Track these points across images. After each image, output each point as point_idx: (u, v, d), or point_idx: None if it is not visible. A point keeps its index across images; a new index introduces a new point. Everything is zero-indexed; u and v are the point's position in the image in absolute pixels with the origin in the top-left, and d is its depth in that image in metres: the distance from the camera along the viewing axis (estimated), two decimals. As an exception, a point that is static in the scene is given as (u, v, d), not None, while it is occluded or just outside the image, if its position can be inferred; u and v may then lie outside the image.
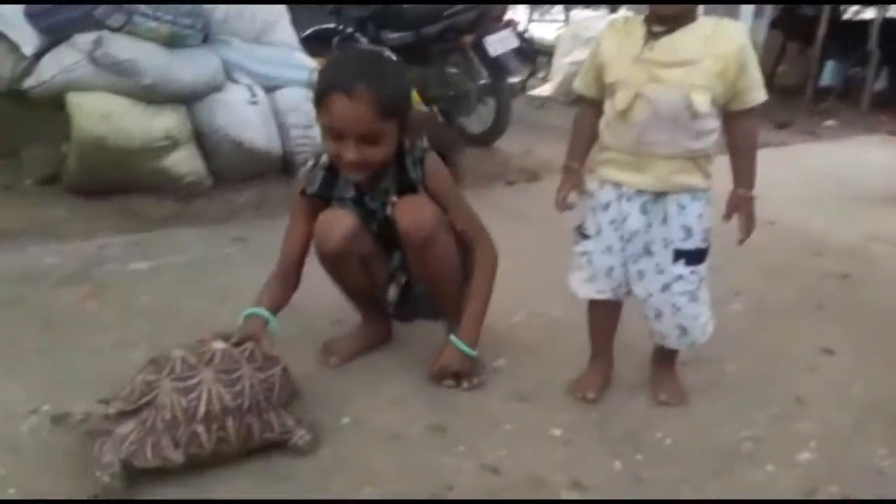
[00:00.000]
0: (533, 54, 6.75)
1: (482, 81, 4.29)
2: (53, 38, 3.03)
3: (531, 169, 4.17)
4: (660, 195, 1.68)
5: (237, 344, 1.59)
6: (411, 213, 1.76)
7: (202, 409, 1.46)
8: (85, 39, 2.96)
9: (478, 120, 4.52)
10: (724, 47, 1.57)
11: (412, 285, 1.93)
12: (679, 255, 1.70)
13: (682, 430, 1.75)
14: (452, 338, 1.85)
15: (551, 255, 2.82)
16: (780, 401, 1.89)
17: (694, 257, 1.71)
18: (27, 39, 3.04)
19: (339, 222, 1.81)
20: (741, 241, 1.71)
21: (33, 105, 3.12)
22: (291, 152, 3.59)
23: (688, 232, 1.69)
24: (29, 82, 3.01)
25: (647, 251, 1.73)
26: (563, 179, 1.82)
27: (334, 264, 1.88)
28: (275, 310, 1.76)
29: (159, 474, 1.43)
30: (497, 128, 4.39)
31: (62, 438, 1.52)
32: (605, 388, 1.90)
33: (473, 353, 1.86)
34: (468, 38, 4.13)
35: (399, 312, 2.02)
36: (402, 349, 2.06)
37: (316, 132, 3.57)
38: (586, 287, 1.85)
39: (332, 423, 1.68)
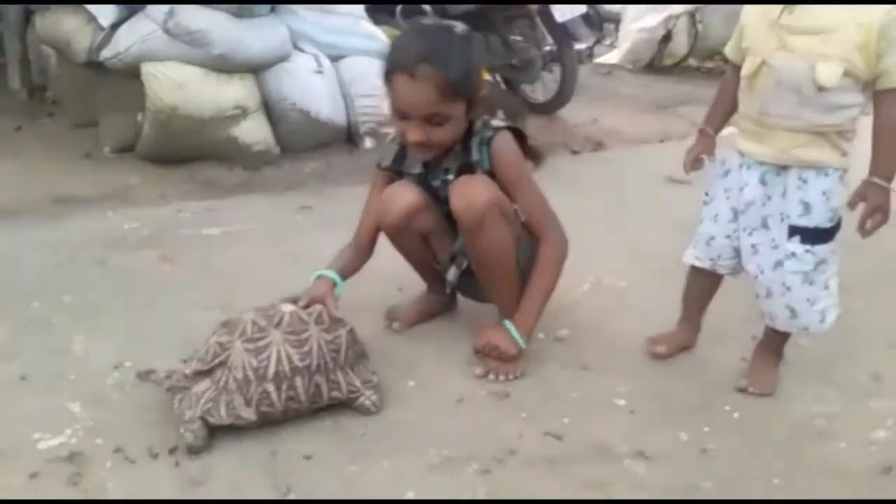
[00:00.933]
0: (599, 21, 6.58)
1: (547, 48, 4.21)
2: (129, 9, 3.12)
3: (596, 138, 4.09)
4: (782, 167, 1.61)
5: (305, 306, 1.63)
6: (464, 193, 1.71)
7: (272, 369, 1.51)
8: (159, 10, 3.04)
9: (542, 88, 4.45)
10: (869, 17, 1.44)
11: (473, 270, 1.88)
12: (794, 231, 1.61)
13: (752, 405, 1.72)
14: (507, 322, 1.80)
15: (617, 225, 2.80)
16: (857, 378, 1.84)
17: (811, 236, 1.61)
18: (104, 11, 3.14)
19: (400, 198, 1.82)
20: (863, 233, 1.56)
21: (110, 75, 3.23)
22: (355, 122, 3.62)
23: (806, 208, 1.60)
24: (105, 53, 3.12)
25: (764, 225, 1.67)
26: (696, 142, 1.81)
27: (394, 238, 1.90)
28: (345, 274, 1.80)
29: (234, 430, 1.49)
30: (562, 96, 4.31)
31: (144, 393, 1.60)
32: (679, 351, 1.89)
33: (524, 345, 1.79)
34: (535, 5, 4.05)
35: (459, 291, 2.02)
36: (464, 318, 2.07)
37: (379, 101, 3.62)
38: (688, 251, 1.85)
39: (397, 386, 1.72)
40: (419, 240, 1.90)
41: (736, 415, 1.68)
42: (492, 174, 1.76)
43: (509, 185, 1.78)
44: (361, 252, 1.88)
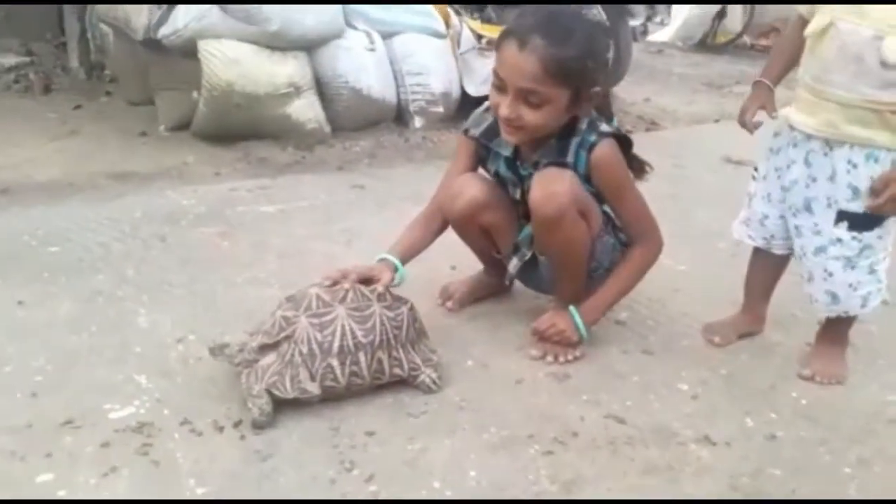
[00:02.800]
0: (651, -3, 6.42)
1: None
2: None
3: (650, 117, 4.01)
4: (831, 146, 1.55)
5: (363, 281, 1.62)
6: (545, 186, 1.62)
7: (336, 343, 1.52)
8: (215, -13, 3.06)
9: (594, 66, 4.37)
10: None
11: (537, 260, 1.83)
12: (842, 216, 1.57)
13: (821, 392, 1.67)
14: (572, 309, 1.75)
15: (674, 206, 2.74)
16: (931, 366, 1.77)
17: (860, 222, 1.56)
18: (163, -11, 3.17)
19: (467, 190, 1.78)
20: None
21: (167, 54, 3.27)
22: (405, 100, 3.61)
23: (855, 192, 1.54)
24: (164, 31, 3.15)
25: (808, 208, 1.62)
26: (750, 96, 1.69)
27: (457, 227, 1.87)
28: (410, 255, 1.77)
29: (297, 406, 1.51)
30: (616, 74, 4.22)
31: (207, 366, 1.62)
32: (738, 338, 1.85)
33: (585, 334, 1.75)
34: (589, -21, 3.96)
35: (520, 281, 1.99)
36: (519, 300, 2.05)
37: (430, 79, 3.60)
38: (740, 228, 1.80)
39: (456, 365, 1.71)
40: (480, 231, 1.87)
41: (804, 402, 1.64)
42: (586, 178, 1.68)
43: (607, 196, 1.71)
44: (433, 224, 1.83)
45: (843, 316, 1.69)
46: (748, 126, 1.68)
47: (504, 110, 1.58)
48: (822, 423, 1.57)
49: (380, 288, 1.62)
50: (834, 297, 1.64)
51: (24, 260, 2.13)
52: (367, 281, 1.64)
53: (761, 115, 1.70)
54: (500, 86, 1.59)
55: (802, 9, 1.60)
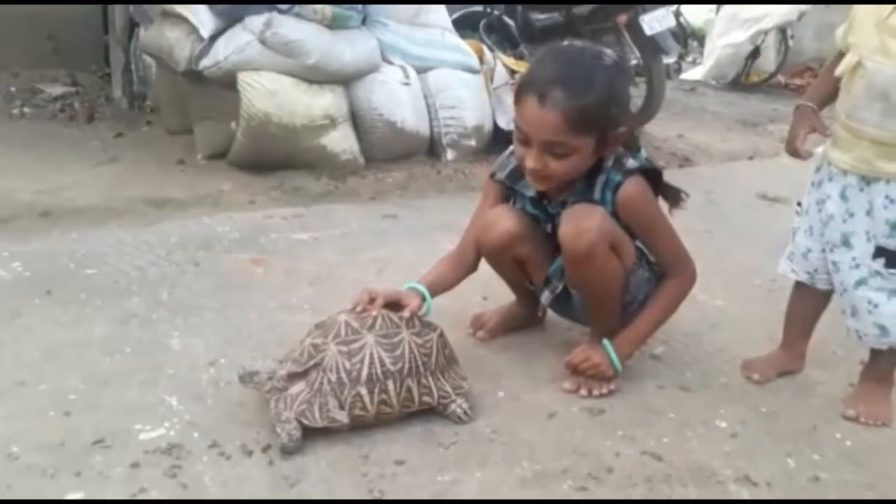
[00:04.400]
0: (685, 36, 6.46)
1: (634, 62, 4.14)
2: (229, 21, 3.23)
3: (683, 154, 4.00)
4: (868, 182, 1.53)
5: (390, 305, 1.60)
6: (575, 223, 1.61)
7: (365, 371, 1.50)
8: (256, 21, 3.14)
9: (628, 102, 4.38)
10: None
11: (569, 292, 1.81)
12: (880, 252, 1.54)
13: (866, 434, 1.61)
14: (606, 342, 1.72)
15: (709, 242, 2.71)
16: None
17: None
18: (205, 22, 3.26)
19: (500, 223, 1.77)
20: None
21: (207, 85, 3.35)
22: (438, 133, 3.65)
23: (894, 228, 1.52)
24: (205, 62, 3.23)
25: (846, 243, 1.59)
26: (795, 121, 1.63)
27: (490, 258, 1.86)
28: (439, 289, 1.75)
29: (327, 433, 1.49)
30: (648, 110, 4.22)
31: (238, 390, 1.62)
32: (778, 376, 1.80)
33: (620, 367, 1.72)
34: (623, 17, 3.99)
35: (555, 311, 1.96)
36: (551, 331, 2.03)
37: (463, 113, 3.64)
38: (785, 263, 1.78)
39: (487, 396, 1.69)
40: (513, 263, 1.86)
41: (848, 443, 1.58)
42: (614, 216, 1.65)
43: (637, 233, 1.70)
44: (463, 263, 1.83)
45: (894, 348, 1.63)
46: (800, 153, 1.61)
47: (530, 163, 1.57)
48: (867, 466, 1.51)
49: (407, 313, 1.60)
50: (883, 330, 1.60)
51: (63, 281, 2.16)
52: (394, 305, 1.62)
53: (812, 142, 1.65)
54: (523, 139, 1.58)
55: (840, 44, 1.61)
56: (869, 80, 1.46)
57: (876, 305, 1.58)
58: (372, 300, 1.60)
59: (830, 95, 1.63)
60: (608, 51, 1.59)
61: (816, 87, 1.70)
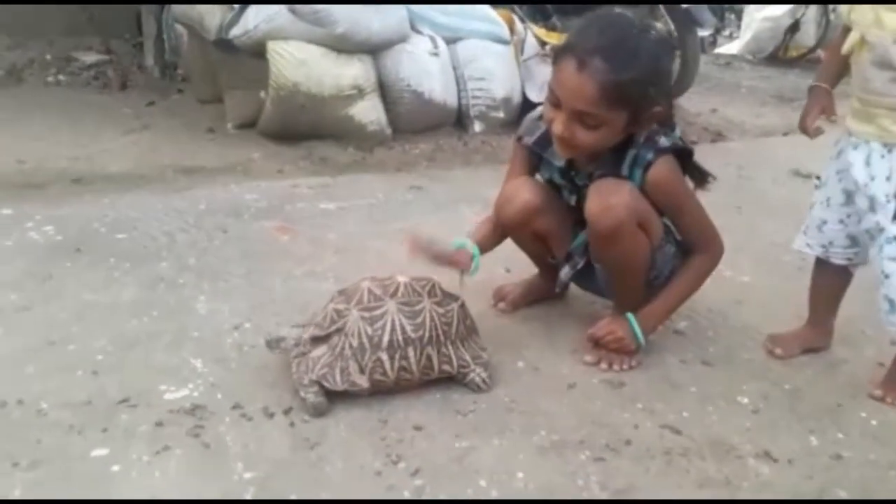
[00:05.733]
0: (721, 9, 6.29)
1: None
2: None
3: (717, 129, 3.92)
4: (890, 149, 1.53)
5: (438, 258, 1.66)
6: (602, 198, 1.58)
7: (386, 337, 1.51)
8: (286, -11, 3.13)
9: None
10: None
11: (592, 266, 1.79)
12: None
13: (893, 414, 1.59)
14: (630, 316, 1.70)
15: (739, 218, 2.66)
16: None
17: None
18: (235, -9, 3.26)
19: (519, 196, 1.76)
20: None
21: (237, 54, 3.35)
22: (466, 104, 3.62)
23: None
24: (235, 31, 3.24)
25: (872, 208, 1.57)
26: (809, 101, 1.68)
27: (510, 232, 1.85)
28: (484, 248, 1.76)
29: (347, 397, 1.51)
30: (682, 84, 4.14)
31: (261, 354, 1.64)
32: (803, 353, 1.78)
33: (643, 341, 1.70)
34: (657, -12, 3.90)
35: (577, 285, 1.95)
36: (574, 304, 2.02)
37: (492, 85, 3.60)
38: (800, 238, 1.76)
39: (506, 366, 1.69)
40: (533, 236, 1.85)
41: (874, 422, 1.56)
42: (642, 192, 1.62)
43: (666, 211, 1.67)
44: (498, 229, 1.83)
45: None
46: (809, 132, 1.66)
47: (558, 127, 1.54)
48: (892, 446, 1.48)
49: (462, 268, 1.64)
50: (892, 305, 1.56)
51: (93, 245, 2.21)
52: (442, 258, 1.67)
53: (822, 122, 1.67)
54: (555, 102, 1.54)
55: (845, 19, 1.61)
56: (874, 52, 1.50)
57: (887, 276, 1.55)
58: (421, 249, 1.64)
59: (841, 71, 1.65)
60: (658, 25, 1.57)
61: (826, 66, 1.72)
